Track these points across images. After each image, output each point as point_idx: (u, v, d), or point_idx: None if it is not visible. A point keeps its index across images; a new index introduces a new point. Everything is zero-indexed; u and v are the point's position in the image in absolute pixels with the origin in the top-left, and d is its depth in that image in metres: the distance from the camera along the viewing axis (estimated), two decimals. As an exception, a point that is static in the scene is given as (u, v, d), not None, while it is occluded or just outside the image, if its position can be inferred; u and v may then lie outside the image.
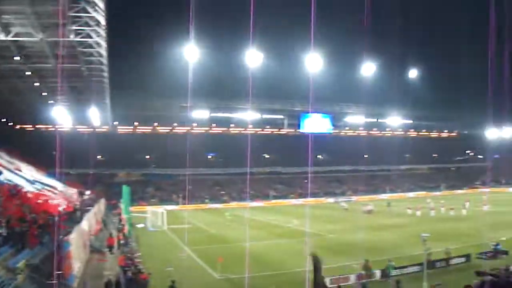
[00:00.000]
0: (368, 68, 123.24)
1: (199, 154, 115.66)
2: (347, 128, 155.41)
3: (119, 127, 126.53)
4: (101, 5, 39.85)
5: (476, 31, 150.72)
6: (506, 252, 36.02)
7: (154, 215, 71.64)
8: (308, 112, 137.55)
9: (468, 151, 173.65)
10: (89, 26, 42.07)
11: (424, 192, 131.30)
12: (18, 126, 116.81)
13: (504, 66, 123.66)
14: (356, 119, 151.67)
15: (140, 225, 68.00)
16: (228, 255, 40.43)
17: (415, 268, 32.52)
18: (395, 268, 32.22)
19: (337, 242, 48.21)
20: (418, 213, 73.94)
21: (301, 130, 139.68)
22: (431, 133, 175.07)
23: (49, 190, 58.12)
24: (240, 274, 33.05)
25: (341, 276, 31.04)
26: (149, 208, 78.79)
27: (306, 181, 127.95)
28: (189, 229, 62.59)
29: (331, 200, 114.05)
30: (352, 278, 31.38)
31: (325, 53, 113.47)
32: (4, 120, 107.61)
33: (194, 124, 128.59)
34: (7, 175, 48.45)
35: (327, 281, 28.47)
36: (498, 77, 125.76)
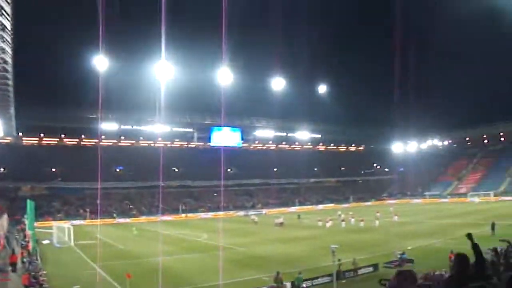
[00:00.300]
0: (278, 83, 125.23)
1: (107, 167, 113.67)
2: (256, 142, 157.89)
3: (23, 138, 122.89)
4: (8, 9, 38.58)
5: (383, 50, 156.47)
6: (411, 261, 37.57)
7: (61, 231, 69.76)
8: (218, 126, 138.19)
9: (375, 165, 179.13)
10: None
11: (332, 205, 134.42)
12: None
13: (408, 84, 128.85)
14: (266, 133, 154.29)
15: (46, 241, 66.00)
16: (138, 271, 39.77)
17: (325, 279, 33.18)
18: (305, 280, 32.72)
19: (248, 255, 48.51)
20: (328, 224, 75.67)
21: (211, 144, 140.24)
22: (339, 147, 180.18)
23: None
24: (150, 291, 32.80)
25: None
26: (55, 224, 76.55)
27: (216, 194, 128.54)
28: (97, 245, 61.48)
29: (241, 213, 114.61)
30: None
31: (235, 67, 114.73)
32: None
33: (103, 137, 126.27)
34: None
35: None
36: (403, 95, 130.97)
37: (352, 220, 78.61)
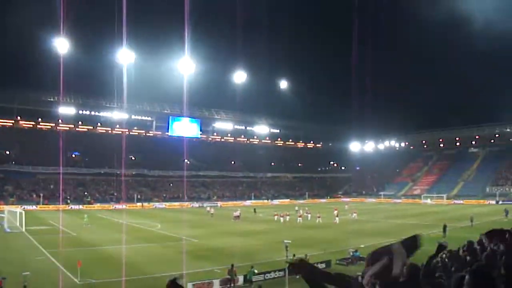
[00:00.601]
0: (240, 76, 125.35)
1: (63, 153, 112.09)
2: (215, 133, 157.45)
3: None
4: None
5: (345, 51, 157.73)
6: (363, 259, 37.90)
7: (12, 215, 68.62)
8: (177, 116, 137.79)
9: (332, 162, 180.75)
10: None
11: (288, 200, 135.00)
12: None
13: (368, 85, 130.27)
14: (225, 126, 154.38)
15: (-4, 226, 64.91)
16: (90, 259, 39.32)
17: (278, 274, 33.39)
18: (257, 274, 32.90)
19: (202, 247, 48.32)
20: (283, 219, 75.84)
21: (169, 134, 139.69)
22: (297, 143, 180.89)
23: None
24: (102, 279, 32.59)
25: (205, 281, 31.22)
26: (6, 208, 75.23)
27: (172, 184, 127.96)
28: (49, 231, 61.05)
29: (196, 204, 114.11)
30: (216, 283, 31.49)
31: (198, 58, 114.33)
32: None
33: (60, 121, 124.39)
34: None
35: (190, 286, 28.82)
36: (363, 95, 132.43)
37: (309, 216, 79.10)
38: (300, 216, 77.45)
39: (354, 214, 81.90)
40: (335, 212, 78.67)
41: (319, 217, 75.20)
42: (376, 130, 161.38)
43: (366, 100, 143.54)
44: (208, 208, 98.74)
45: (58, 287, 29.15)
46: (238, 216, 79.42)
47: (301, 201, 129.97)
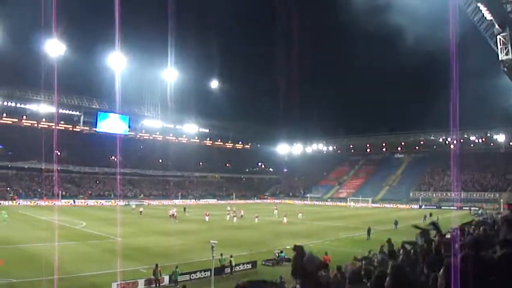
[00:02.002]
0: (171, 74, 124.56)
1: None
2: (143, 131, 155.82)
3: None
4: None
5: (274, 53, 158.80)
6: (289, 260, 38.31)
7: None
8: (105, 111, 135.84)
9: (260, 164, 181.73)
10: None
11: (215, 200, 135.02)
12: None
13: (298, 88, 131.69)
14: (154, 123, 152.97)
15: None
16: (10, 257, 38.30)
17: (204, 274, 33.41)
18: (182, 274, 32.82)
19: (127, 246, 47.86)
20: (207, 218, 75.90)
21: (97, 129, 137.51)
22: (226, 144, 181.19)
23: None
24: (22, 278, 31.77)
25: (129, 281, 30.89)
26: None
27: (99, 182, 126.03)
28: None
29: (122, 202, 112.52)
30: (141, 283, 31.23)
31: (128, 53, 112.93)
32: None
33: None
34: None
35: (115, 285, 28.49)
36: (292, 98, 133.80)
37: (235, 218, 79.17)
38: (235, 216, 77.92)
39: (300, 214, 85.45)
40: (275, 211, 79.78)
41: (257, 217, 75.84)
42: (305, 133, 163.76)
43: (295, 103, 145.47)
44: (133, 206, 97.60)
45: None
46: (174, 215, 78.73)
47: (229, 201, 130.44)
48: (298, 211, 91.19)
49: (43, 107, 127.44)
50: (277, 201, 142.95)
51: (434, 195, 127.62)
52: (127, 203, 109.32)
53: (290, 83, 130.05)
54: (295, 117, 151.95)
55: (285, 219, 76.37)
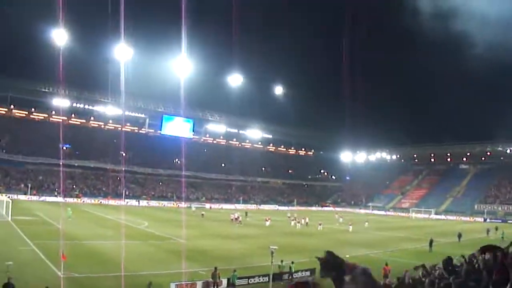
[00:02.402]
0: (236, 79, 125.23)
1: (54, 144, 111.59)
2: (207, 135, 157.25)
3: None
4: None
5: (341, 60, 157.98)
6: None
7: (-1, 204, 68.14)
8: (170, 115, 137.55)
9: (322, 171, 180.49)
10: None
11: (276, 206, 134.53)
12: None
13: (363, 96, 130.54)
14: (218, 128, 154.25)
15: (-19, 214, 64.39)
16: (73, 252, 38.95)
17: (262, 279, 33.22)
18: (241, 278, 32.69)
19: (188, 247, 48.08)
20: (267, 223, 75.88)
21: (161, 132, 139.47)
22: (289, 150, 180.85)
23: None
24: (85, 273, 32.29)
25: (188, 282, 30.93)
26: (-7, 196, 74.71)
27: (161, 183, 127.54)
28: (35, 222, 60.79)
29: (184, 205, 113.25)
30: (199, 285, 31.20)
31: (194, 58, 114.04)
32: None
33: (53, 112, 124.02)
34: None
35: (173, 286, 28.53)
36: (357, 105, 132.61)
37: (298, 224, 78.71)
38: (298, 222, 77.65)
39: (366, 223, 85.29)
40: (340, 219, 79.73)
41: (320, 224, 75.41)
42: (368, 141, 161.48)
43: (360, 111, 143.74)
44: (193, 209, 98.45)
45: (41, 279, 28.86)
46: (238, 219, 78.93)
47: (291, 208, 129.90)
48: (364, 220, 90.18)
49: (110, 109, 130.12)
50: (339, 209, 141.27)
51: (500, 208, 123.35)
52: (189, 206, 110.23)
53: (355, 90, 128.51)
54: (359, 125, 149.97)
55: (350, 228, 75.59)
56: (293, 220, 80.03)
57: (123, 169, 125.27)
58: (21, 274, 29.23)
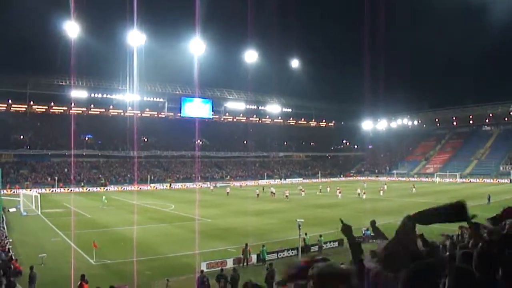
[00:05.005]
0: (251, 56, 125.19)
1: (76, 136, 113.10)
2: (227, 114, 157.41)
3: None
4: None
5: (356, 27, 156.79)
6: (374, 237, 37.99)
7: (27, 199, 69.55)
8: (189, 96, 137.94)
9: (344, 141, 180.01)
10: None
11: (300, 179, 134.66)
12: None
13: (380, 63, 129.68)
14: (237, 106, 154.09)
15: (12, 209, 65.78)
16: (104, 240, 40.03)
17: (291, 252, 33.85)
18: (269, 253, 33.23)
19: (215, 226, 48.79)
20: (303, 194, 76.89)
21: (181, 114, 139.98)
22: (309, 122, 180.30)
23: None
24: (116, 259, 33.24)
25: (218, 260, 31.60)
26: (21, 191, 76.08)
27: (185, 165, 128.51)
28: (64, 213, 61.86)
29: (210, 184, 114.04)
30: (230, 262, 31.66)
31: (208, 38, 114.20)
32: None
33: (72, 104, 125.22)
34: None
35: (204, 265, 29.14)
36: (375, 72, 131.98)
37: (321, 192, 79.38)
38: (321, 192, 78.31)
39: (382, 190, 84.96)
40: (358, 191, 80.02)
41: (340, 192, 76.22)
42: (389, 108, 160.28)
43: (378, 78, 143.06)
44: (211, 188, 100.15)
45: (74, 268, 29.77)
46: (273, 193, 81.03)
47: (315, 180, 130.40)
48: (390, 187, 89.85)
49: (128, 96, 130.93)
50: (363, 178, 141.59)
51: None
52: (214, 185, 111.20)
53: (373, 57, 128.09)
54: (379, 93, 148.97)
55: (364, 195, 76.44)
56: (318, 191, 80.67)
57: (146, 154, 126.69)
58: (55, 264, 30.26)
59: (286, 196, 78.56)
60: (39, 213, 62.14)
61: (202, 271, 27.03)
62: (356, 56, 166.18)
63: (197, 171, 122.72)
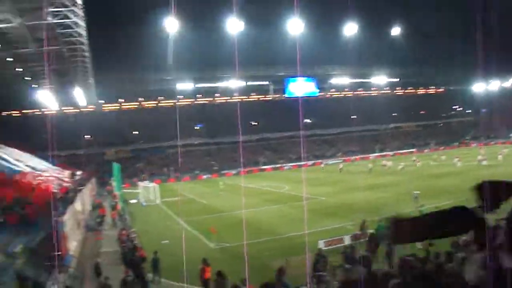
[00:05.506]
0: (350, 28, 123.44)
1: (187, 126, 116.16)
2: (332, 90, 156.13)
3: (104, 105, 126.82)
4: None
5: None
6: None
7: (146, 190, 72.17)
8: (292, 77, 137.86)
9: (456, 106, 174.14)
10: (66, 6, 42.57)
11: (414, 150, 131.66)
12: (4, 113, 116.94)
13: (489, 19, 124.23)
14: (341, 81, 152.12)
15: (133, 201, 68.56)
16: (222, 224, 41.09)
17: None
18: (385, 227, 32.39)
19: (330, 204, 48.76)
20: (418, 164, 75.49)
21: (286, 95, 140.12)
22: (417, 90, 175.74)
23: (41, 173, 58.74)
24: (235, 242, 33.85)
25: (335, 238, 31.42)
26: (140, 183, 79.07)
27: (295, 145, 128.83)
28: (182, 201, 63.64)
29: (321, 163, 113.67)
30: (347, 239, 31.09)
31: (305, 15, 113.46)
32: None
33: (180, 96, 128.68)
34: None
35: (321, 243, 29.06)
36: (484, 30, 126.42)
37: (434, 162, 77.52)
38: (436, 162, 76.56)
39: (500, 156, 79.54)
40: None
41: (459, 160, 74.31)
42: (501, 66, 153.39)
43: (487, 35, 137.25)
44: (322, 166, 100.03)
45: (196, 253, 30.51)
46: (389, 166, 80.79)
47: (427, 150, 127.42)
48: (498, 153, 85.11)
49: (233, 83, 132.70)
50: (478, 143, 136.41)
51: None
52: (326, 163, 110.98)
53: (482, 15, 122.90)
54: (489, 50, 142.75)
55: (484, 162, 73.67)
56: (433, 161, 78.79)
57: (255, 137, 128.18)
58: (177, 250, 31.17)
59: (401, 168, 77.38)
60: (158, 202, 64.35)
61: (320, 250, 26.93)
62: (461, 15, 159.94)
63: (307, 150, 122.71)
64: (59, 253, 27.01)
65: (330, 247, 29.57)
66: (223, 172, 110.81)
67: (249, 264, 23.25)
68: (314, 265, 23.56)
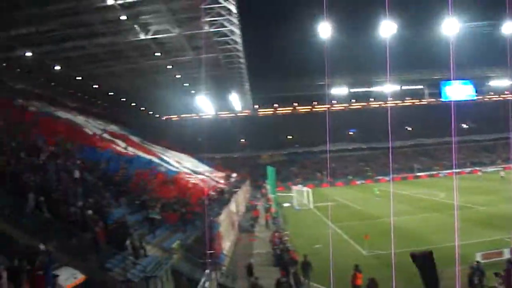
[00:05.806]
0: (509, 27, 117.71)
1: (340, 131, 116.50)
2: (491, 93, 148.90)
3: (259, 110, 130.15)
4: (231, -5, 41.99)
5: None
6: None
7: (299, 194, 73.28)
8: (448, 80, 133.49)
9: None
10: (222, 16, 44.50)
11: None
12: (164, 117, 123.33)
13: None
14: (501, 83, 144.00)
15: (286, 204, 69.89)
16: (375, 231, 40.86)
17: None
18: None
19: (490, 214, 46.85)
20: None
21: (442, 99, 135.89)
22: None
23: (198, 175, 61.63)
24: (387, 250, 33.63)
25: (494, 251, 29.95)
26: (294, 187, 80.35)
27: (452, 151, 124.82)
28: (335, 206, 64.03)
29: (479, 170, 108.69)
30: (506, 253, 28.89)
31: (461, 15, 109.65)
32: (151, 112, 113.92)
33: (334, 101, 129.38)
34: (161, 163, 52.17)
35: (478, 255, 27.98)
36: None
37: None
38: None
39: None
40: None
41: None
42: None
43: None
44: (480, 173, 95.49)
45: (347, 258, 30.80)
46: None
47: None
48: None
49: (387, 87, 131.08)
50: None
51: None
52: (484, 171, 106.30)
53: None
54: None
55: None
56: None
57: (410, 143, 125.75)
58: (328, 255, 31.66)
59: None
60: (311, 207, 65.13)
61: (477, 262, 26.18)
62: None
63: (464, 157, 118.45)
64: (213, 251, 28.42)
65: (487, 260, 28.29)
66: (377, 178, 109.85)
67: (401, 273, 23.22)
68: (469, 279, 23.07)
